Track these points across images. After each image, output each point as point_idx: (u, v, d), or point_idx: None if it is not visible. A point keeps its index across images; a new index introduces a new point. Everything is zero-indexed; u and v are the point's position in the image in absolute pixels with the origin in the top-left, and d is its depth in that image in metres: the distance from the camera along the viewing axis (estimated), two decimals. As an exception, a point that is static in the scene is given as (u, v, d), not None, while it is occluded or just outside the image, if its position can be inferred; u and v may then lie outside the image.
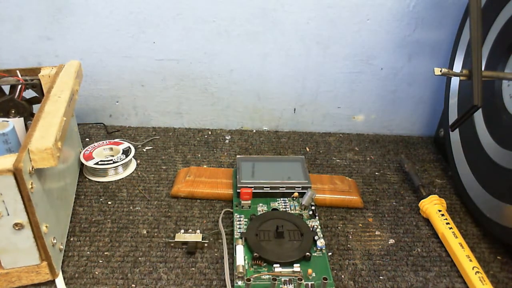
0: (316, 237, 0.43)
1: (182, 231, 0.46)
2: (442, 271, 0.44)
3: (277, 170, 0.52)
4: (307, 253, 0.41)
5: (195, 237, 0.45)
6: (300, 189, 0.49)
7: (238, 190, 0.48)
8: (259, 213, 0.47)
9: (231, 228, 0.46)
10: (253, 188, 0.48)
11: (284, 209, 0.48)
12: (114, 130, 0.65)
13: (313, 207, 0.47)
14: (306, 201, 0.47)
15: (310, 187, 0.49)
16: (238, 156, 0.54)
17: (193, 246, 0.44)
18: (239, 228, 0.45)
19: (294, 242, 0.43)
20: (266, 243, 0.42)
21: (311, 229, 0.44)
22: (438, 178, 0.58)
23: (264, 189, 0.49)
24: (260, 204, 0.48)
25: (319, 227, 0.45)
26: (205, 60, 0.62)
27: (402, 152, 0.64)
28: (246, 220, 0.46)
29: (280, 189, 0.49)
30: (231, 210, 0.49)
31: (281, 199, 0.49)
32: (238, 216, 0.47)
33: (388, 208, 0.52)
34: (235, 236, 0.44)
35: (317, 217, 0.47)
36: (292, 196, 0.49)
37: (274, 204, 0.49)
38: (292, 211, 0.48)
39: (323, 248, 0.42)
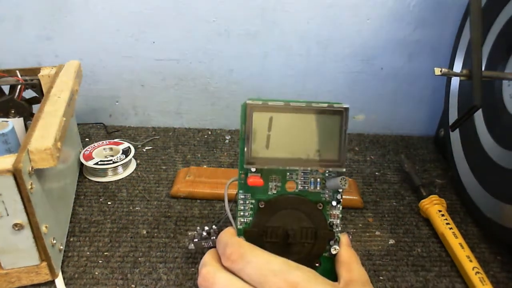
0: (331, 242, 0.35)
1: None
2: (442, 271, 0.44)
3: (304, 134, 0.34)
4: (316, 263, 0.35)
5: None
6: (330, 169, 0.35)
7: (241, 172, 0.35)
8: (269, 196, 0.35)
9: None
10: (264, 167, 0.35)
11: (302, 187, 0.36)
12: (114, 130, 0.65)
13: (338, 196, 0.36)
14: (331, 186, 0.36)
15: (342, 173, 0.36)
16: (248, 101, 0.33)
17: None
18: (243, 216, 0.35)
19: (305, 244, 0.35)
20: (271, 245, 0.34)
21: (329, 227, 0.36)
22: (438, 178, 0.58)
23: (280, 167, 0.35)
24: (274, 179, 0.35)
25: (339, 220, 0.36)
26: (205, 60, 0.62)
27: (402, 152, 0.63)
28: (253, 204, 0.35)
29: (301, 169, 0.36)
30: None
31: (302, 172, 0.36)
32: (243, 195, 0.35)
33: (388, 208, 0.52)
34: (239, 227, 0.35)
35: (339, 207, 0.36)
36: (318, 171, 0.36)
37: (291, 183, 0.36)
38: (311, 191, 0.36)
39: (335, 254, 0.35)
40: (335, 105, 0.34)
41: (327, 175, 0.36)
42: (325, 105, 0.34)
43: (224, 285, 0.30)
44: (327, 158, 0.35)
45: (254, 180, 0.35)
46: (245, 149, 0.33)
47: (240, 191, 0.35)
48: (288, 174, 0.36)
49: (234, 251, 0.31)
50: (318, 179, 0.36)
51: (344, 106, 0.34)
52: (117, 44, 0.61)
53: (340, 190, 0.36)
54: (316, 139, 0.34)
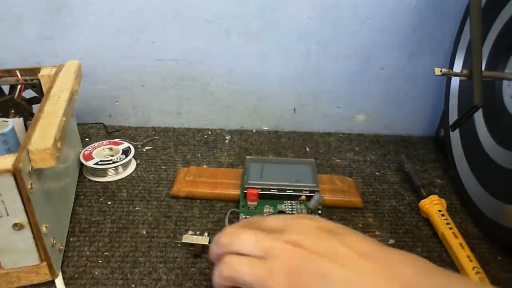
0: None
1: (190, 232, 0.45)
2: (442, 271, 0.44)
3: (286, 172, 0.51)
4: None
5: (202, 240, 0.43)
6: (308, 192, 0.48)
7: (244, 191, 0.48)
8: (264, 215, 0.47)
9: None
10: (260, 189, 0.48)
11: (290, 212, 0.47)
12: (114, 130, 0.65)
13: (319, 211, 0.47)
14: (312, 205, 0.47)
15: (317, 191, 0.48)
16: (248, 157, 0.53)
17: (199, 249, 0.43)
18: None
19: None
20: None
21: None
22: (438, 178, 0.58)
23: (271, 190, 0.48)
24: (267, 206, 0.48)
25: None
26: (205, 60, 0.62)
27: (402, 152, 0.63)
28: None
29: (287, 191, 0.49)
30: (237, 210, 0.48)
31: (288, 201, 0.49)
32: (244, 217, 0.46)
33: (388, 208, 0.52)
34: None
35: None
36: (300, 199, 0.49)
37: (281, 207, 0.48)
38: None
39: None
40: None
41: (307, 203, 0.48)
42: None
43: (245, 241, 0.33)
44: (304, 183, 0.49)
45: (251, 192, 0.48)
46: (245, 177, 0.50)
47: (241, 214, 0.47)
48: (278, 205, 0.48)
49: (225, 234, 0.35)
50: (302, 208, 0.48)
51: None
52: (117, 44, 0.61)
53: (320, 207, 0.47)
54: (296, 173, 0.51)
